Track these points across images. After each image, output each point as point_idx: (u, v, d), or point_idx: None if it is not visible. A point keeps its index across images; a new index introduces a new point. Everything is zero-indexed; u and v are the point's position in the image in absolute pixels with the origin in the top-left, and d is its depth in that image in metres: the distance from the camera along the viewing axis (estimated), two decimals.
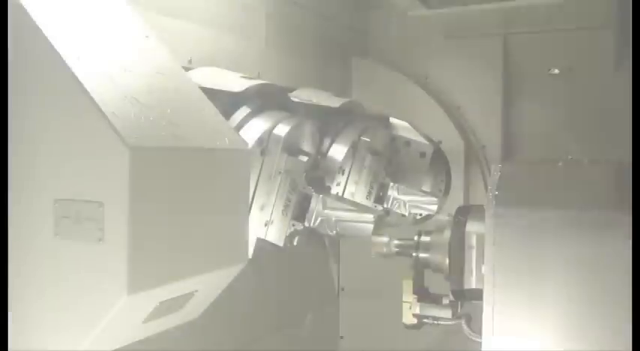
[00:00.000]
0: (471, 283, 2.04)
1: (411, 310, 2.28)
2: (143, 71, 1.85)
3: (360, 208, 2.93)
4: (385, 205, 3.50)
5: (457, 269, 2.07)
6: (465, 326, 2.18)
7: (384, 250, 2.38)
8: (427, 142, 3.77)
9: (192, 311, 1.97)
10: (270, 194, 2.50)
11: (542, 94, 4.11)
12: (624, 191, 1.77)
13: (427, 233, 2.28)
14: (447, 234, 2.15)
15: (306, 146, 2.71)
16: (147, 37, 2.03)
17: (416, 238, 2.29)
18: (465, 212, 2.12)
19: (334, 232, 2.84)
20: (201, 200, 1.79)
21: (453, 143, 3.92)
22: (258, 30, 3.14)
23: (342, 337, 4.31)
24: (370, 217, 2.77)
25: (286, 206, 2.58)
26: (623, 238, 1.70)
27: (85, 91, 1.58)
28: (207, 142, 1.86)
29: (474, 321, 2.17)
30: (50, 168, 1.64)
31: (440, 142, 3.90)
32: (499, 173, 1.93)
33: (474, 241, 2.04)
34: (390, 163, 3.63)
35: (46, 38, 1.63)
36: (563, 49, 3.99)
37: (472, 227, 2.05)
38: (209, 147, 1.86)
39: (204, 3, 2.74)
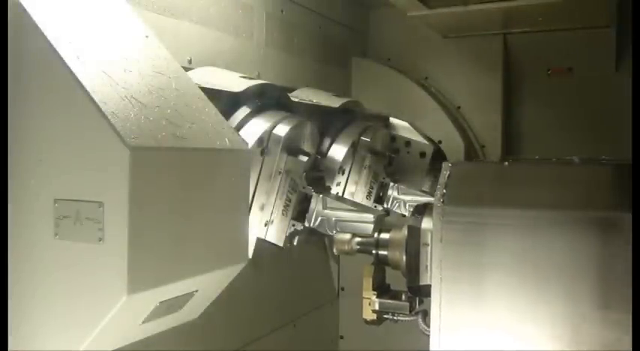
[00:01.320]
0: (426, 279, 2.09)
1: (370, 306, 2.33)
2: (143, 71, 1.85)
3: (360, 208, 2.93)
4: (385, 205, 3.50)
5: (412, 266, 2.13)
6: (420, 322, 2.24)
7: (346, 247, 2.45)
8: (427, 142, 3.77)
9: (192, 311, 1.97)
10: (270, 194, 2.50)
11: (542, 94, 4.12)
12: (570, 189, 1.86)
13: (386, 231, 2.35)
14: (404, 232, 2.20)
15: (306, 146, 2.71)
16: (147, 37, 2.03)
17: (375, 235, 2.36)
18: (422, 210, 2.18)
19: (334, 232, 2.84)
20: (201, 200, 1.79)
21: (453, 143, 3.92)
22: (258, 30, 3.14)
23: (342, 337, 4.31)
24: (370, 217, 2.77)
25: (286, 206, 2.58)
26: (567, 234, 1.78)
27: (85, 91, 1.58)
28: (207, 142, 1.86)
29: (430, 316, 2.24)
30: (50, 168, 1.64)
31: (440, 142, 3.90)
32: (448, 172, 1.98)
33: (428, 238, 2.09)
34: (390, 163, 3.64)
35: (46, 38, 1.63)
36: (563, 49, 4.00)
37: (428, 225, 2.10)
38: (209, 147, 1.86)
39: (204, 3, 2.74)
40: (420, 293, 2.19)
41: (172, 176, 1.69)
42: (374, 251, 2.35)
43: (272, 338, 3.47)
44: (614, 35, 3.78)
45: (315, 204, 2.76)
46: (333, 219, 2.80)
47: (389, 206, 3.56)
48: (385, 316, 2.34)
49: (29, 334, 1.67)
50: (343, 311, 4.29)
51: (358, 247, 2.42)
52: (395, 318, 2.33)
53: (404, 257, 2.18)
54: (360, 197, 3.27)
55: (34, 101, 1.67)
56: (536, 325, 1.80)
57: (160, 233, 1.64)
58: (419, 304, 2.31)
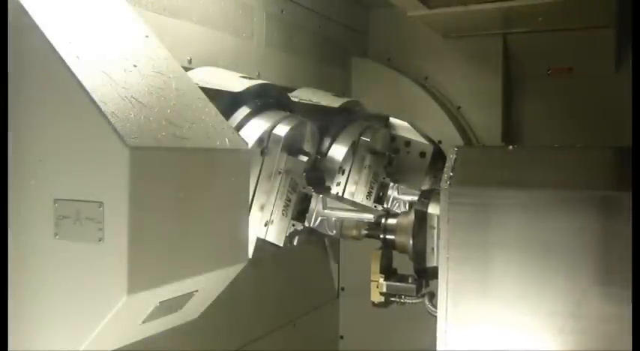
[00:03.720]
0: (433, 261, 2.18)
1: (378, 288, 2.38)
2: (143, 71, 1.85)
3: (360, 208, 2.93)
4: (385, 205, 3.50)
5: (419, 249, 2.22)
6: (427, 303, 2.31)
7: (354, 232, 2.51)
8: (427, 142, 3.77)
9: (192, 311, 1.97)
10: (270, 194, 2.49)
11: (542, 94, 4.12)
12: (572, 170, 1.94)
13: (393, 216, 2.46)
14: (411, 217, 2.30)
15: (306, 146, 2.71)
16: (147, 37, 2.03)
17: (383, 221, 2.45)
18: (428, 195, 2.26)
19: (334, 232, 2.84)
20: (201, 200, 1.80)
21: (452, 143, 3.91)
22: (258, 30, 3.14)
23: (342, 337, 4.31)
24: (370, 217, 2.77)
25: (286, 206, 2.58)
26: (570, 213, 1.85)
27: (85, 91, 1.58)
28: (207, 142, 1.86)
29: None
30: (50, 168, 1.64)
31: (440, 142, 3.90)
32: (455, 156, 2.04)
33: (435, 222, 2.19)
34: (390, 163, 3.63)
35: (46, 38, 1.63)
36: (563, 49, 4.00)
37: (434, 209, 2.20)
38: (209, 147, 1.86)
39: (204, 3, 2.74)
40: (426, 275, 2.28)
41: (172, 176, 1.69)
42: (381, 236, 2.41)
43: (272, 338, 3.47)
44: (614, 35, 3.78)
45: (315, 204, 2.76)
46: (333, 219, 2.80)
47: (389, 206, 3.55)
48: (392, 298, 2.41)
49: (29, 334, 1.67)
50: (343, 311, 4.29)
51: (366, 232, 2.50)
52: (402, 300, 2.39)
53: (410, 241, 2.23)
54: (360, 197, 3.27)
55: (34, 101, 1.67)
56: (539, 302, 1.87)
57: (160, 233, 1.64)
58: (425, 287, 2.39)
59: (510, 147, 2.22)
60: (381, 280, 2.42)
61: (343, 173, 3.14)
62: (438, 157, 3.90)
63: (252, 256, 2.26)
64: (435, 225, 2.16)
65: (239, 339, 3.20)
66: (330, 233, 2.84)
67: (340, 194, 3.12)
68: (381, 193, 3.45)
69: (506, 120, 4.12)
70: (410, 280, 2.40)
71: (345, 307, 4.28)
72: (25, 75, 1.67)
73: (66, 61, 1.61)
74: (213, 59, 2.75)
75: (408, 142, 3.78)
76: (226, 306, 2.24)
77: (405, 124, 3.82)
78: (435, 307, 2.23)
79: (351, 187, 3.20)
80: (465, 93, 4.12)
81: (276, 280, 3.53)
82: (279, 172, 2.51)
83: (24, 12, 1.65)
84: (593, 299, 1.80)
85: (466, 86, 4.11)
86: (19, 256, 1.67)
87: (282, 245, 2.58)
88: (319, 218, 2.79)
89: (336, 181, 3.08)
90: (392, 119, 3.84)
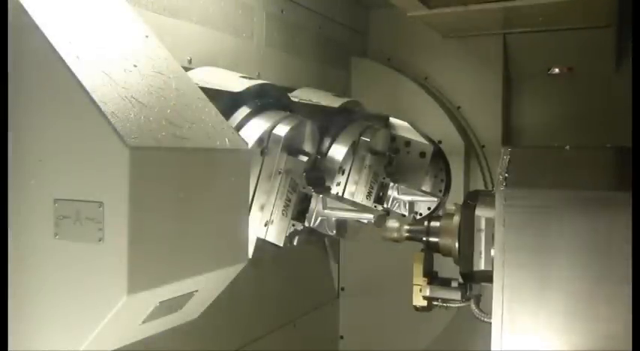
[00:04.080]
0: (480, 265, 2.11)
1: (421, 292, 2.35)
2: (143, 71, 1.85)
3: (360, 208, 2.93)
4: (385, 205, 3.50)
5: (467, 251, 2.14)
6: (474, 307, 2.25)
7: (395, 235, 2.48)
8: (427, 142, 3.77)
9: (192, 311, 1.97)
10: (270, 194, 2.49)
11: (543, 94, 4.12)
12: (625, 172, 1.85)
13: (437, 219, 2.38)
14: (457, 219, 2.23)
15: (306, 146, 2.71)
16: (147, 37, 2.03)
17: (426, 223, 2.39)
18: (474, 197, 2.19)
19: (334, 232, 2.84)
20: (201, 200, 1.79)
21: (453, 143, 3.92)
22: (258, 30, 3.14)
23: (342, 337, 4.31)
24: (370, 217, 2.76)
25: (286, 206, 2.58)
26: (628, 218, 1.76)
27: (85, 91, 1.58)
28: (207, 142, 1.86)
29: (482, 303, 2.27)
30: (50, 168, 1.64)
31: (440, 142, 3.90)
32: (508, 157, 1.99)
33: (482, 224, 2.11)
34: (390, 163, 3.63)
35: (45, 38, 1.63)
36: (563, 49, 4.00)
37: (481, 211, 2.12)
38: (209, 147, 1.86)
39: (204, 3, 2.74)
40: (473, 279, 2.21)
41: (172, 176, 1.69)
42: (424, 238, 2.37)
43: (272, 338, 3.47)
44: (614, 35, 3.78)
45: (315, 204, 2.76)
46: (333, 219, 2.80)
47: (389, 206, 3.55)
48: (435, 302, 2.36)
49: (29, 334, 1.67)
50: (343, 311, 4.29)
51: (407, 234, 2.45)
52: (445, 304, 2.34)
53: (456, 244, 2.20)
54: (360, 197, 3.27)
55: (34, 101, 1.67)
56: (600, 306, 1.80)
57: (160, 233, 1.64)
58: (469, 291, 2.33)
59: (568, 147, 2.15)
60: (425, 283, 2.34)
61: (343, 173, 3.14)
62: (438, 157, 3.90)
63: (252, 256, 2.26)
64: (483, 227, 2.10)
65: (239, 339, 3.20)
66: (330, 233, 2.84)
67: (340, 194, 3.12)
68: (381, 193, 3.45)
69: (506, 120, 4.12)
70: (453, 284, 2.34)
71: (345, 307, 4.29)
72: (25, 75, 1.67)
73: (66, 61, 1.61)
74: (213, 59, 2.75)
75: (408, 142, 3.78)
76: (226, 306, 2.24)
77: (405, 124, 3.82)
78: (482, 311, 2.19)
79: (351, 187, 3.20)
80: (465, 93, 4.12)
81: (276, 280, 3.53)
82: (279, 172, 2.51)
83: (24, 12, 1.65)
84: None
85: (466, 86, 4.11)
86: (19, 256, 1.67)
87: (282, 245, 2.58)
88: (319, 218, 2.79)
89: (336, 181, 3.08)
90: (392, 119, 3.84)
